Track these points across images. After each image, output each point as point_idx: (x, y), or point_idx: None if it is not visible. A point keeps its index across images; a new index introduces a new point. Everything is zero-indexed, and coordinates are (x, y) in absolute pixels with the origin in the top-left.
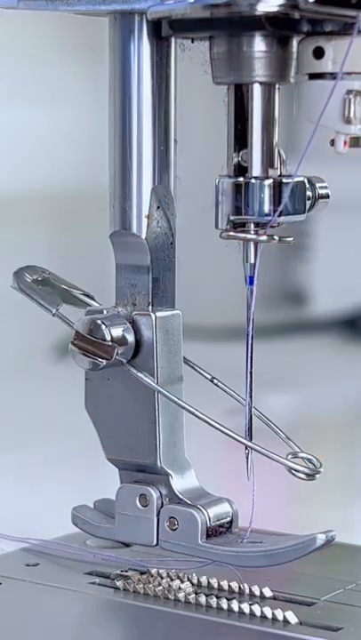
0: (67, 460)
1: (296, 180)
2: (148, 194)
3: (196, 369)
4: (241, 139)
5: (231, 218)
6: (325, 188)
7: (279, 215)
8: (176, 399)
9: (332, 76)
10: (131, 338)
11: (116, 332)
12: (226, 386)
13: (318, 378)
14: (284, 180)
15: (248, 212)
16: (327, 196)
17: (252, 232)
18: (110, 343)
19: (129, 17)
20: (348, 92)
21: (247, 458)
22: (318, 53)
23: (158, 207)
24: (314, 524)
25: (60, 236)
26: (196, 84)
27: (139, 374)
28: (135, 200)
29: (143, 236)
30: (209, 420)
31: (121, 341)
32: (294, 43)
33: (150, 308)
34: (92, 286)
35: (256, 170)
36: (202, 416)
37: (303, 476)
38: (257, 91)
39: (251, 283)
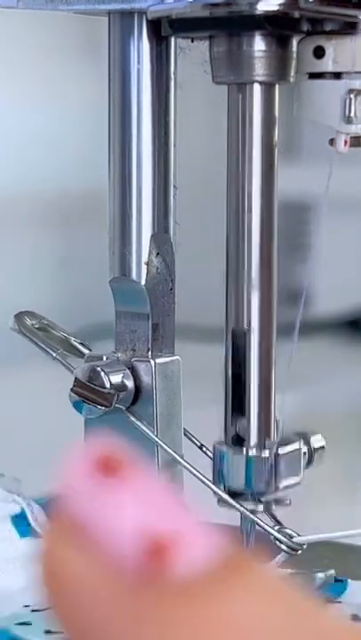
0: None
1: (290, 448)
2: (147, 240)
3: (188, 436)
4: (239, 407)
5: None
6: (320, 440)
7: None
8: (174, 452)
9: (333, 75)
10: (130, 384)
11: (116, 378)
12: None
13: (319, 378)
14: (280, 452)
15: (245, 485)
16: (323, 447)
17: (249, 501)
18: (109, 390)
19: (128, 16)
20: (350, 91)
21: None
22: (319, 53)
23: (158, 254)
24: (315, 523)
25: (61, 237)
26: (196, 83)
27: (137, 423)
28: (135, 246)
29: (143, 283)
30: (206, 482)
31: (120, 388)
32: (294, 42)
33: (150, 354)
34: (92, 284)
35: (253, 441)
36: (197, 474)
37: (286, 548)
38: (257, 90)
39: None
